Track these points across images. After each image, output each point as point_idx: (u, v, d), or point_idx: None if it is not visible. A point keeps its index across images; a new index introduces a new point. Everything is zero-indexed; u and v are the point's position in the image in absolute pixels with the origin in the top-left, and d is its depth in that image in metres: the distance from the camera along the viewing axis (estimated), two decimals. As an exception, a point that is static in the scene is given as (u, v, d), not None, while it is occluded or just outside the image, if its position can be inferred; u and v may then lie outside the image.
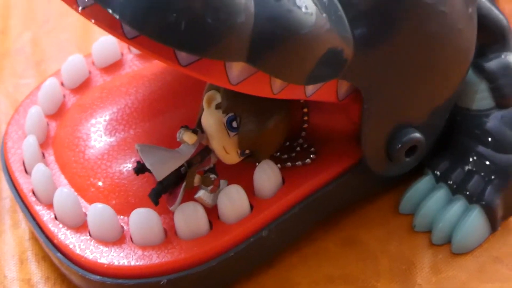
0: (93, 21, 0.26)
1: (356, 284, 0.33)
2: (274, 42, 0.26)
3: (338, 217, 0.35)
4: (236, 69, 0.27)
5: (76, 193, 0.32)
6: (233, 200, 0.31)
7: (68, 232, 0.31)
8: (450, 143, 0.34)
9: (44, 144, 0.34)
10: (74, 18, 0.45)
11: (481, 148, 0.34)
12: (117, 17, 0.25)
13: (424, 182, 0.34)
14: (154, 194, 0.31)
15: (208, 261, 0.31)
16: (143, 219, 0.30)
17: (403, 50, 0.30)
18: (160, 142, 0.32)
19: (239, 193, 0.31)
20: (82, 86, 0.37)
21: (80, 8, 0.26)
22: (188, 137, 0.30)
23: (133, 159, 0.33)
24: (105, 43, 0.37)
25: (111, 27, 0.26)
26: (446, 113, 0.33)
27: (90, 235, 0.31)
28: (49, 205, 0.32)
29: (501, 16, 0.34)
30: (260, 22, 0.26)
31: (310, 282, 0.33)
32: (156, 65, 0.37)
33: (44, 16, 0.46)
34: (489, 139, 0.34)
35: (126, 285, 0.30)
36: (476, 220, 0.33)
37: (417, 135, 0.32)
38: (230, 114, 0.30)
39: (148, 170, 0.30)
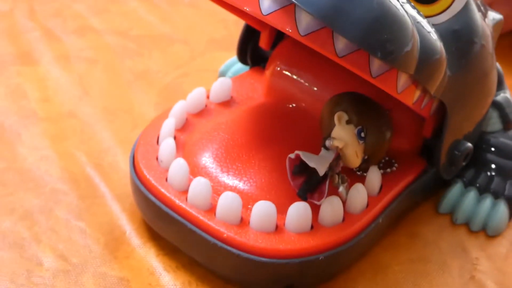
0: (304, 40, 0.34)
1: (432, 261, 0.41)
2: (430, 62, 0.35)
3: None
4: (402, 80, 0.36)
5: (239, 196, 0.38)
6: (361, 195, 0.39)
7: (234, 228, 0.37)
8: (472, 158, 0.44)
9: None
10: (100, 90, 0.51)
11: (495, 158, 0.44)
12: (345, 35, 0.33)
13: (457, 188, 0.44)
14: (303, 192, 0.38)
15: (347, 242, 0.38)
16: (301, 211, 0.37)
17: (470, 78, 0.40)
18: (277, 164, 0.40)
19: (364, 190, 0.39)
20: (184, 127, 0.43)
21: (302, 34, 0.34)
22: (338, 142, 0.38)
23: (252, 177, 0.40)
24: (198, 94, 0.44)
25: (323, 47, 0.34)
26: (478, 130, 0.43)
27: (250, 227, 0.37)
28: (209, 210, 0.38)
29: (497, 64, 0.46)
30: (423, 49, 0.35)
31: (396, 264, 0.41)
32: (248, 111, 0.44)
33: (79, 89, 0.51)
34: (501, 151, 0.44)
35: (294, 263, 0.37)
36: (502, 210, 0.43)
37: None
38: (359, 127, 0.38)
39: (303, 173, 0.38)
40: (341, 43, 0.34)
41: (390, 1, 0.34)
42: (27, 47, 0.53)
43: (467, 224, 0.44)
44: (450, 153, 0.42)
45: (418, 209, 0.44)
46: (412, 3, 0.37)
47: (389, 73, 0.35)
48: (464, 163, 0.43)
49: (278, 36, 0.47)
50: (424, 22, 0.37)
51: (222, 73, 0.52)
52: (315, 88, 0.44)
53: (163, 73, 0.52)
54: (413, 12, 0.36)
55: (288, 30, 0.34)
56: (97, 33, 0.55)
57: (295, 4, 0.34)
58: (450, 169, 0.43)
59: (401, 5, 0.35)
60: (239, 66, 0.51)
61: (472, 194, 0.44)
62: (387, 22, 0.33)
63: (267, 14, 0.34)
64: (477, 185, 0.44)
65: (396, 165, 0.42)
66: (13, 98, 0.49)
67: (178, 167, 0.39)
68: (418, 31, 0.35)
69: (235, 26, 0.57)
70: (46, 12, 0.57)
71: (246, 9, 0.35)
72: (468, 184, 0.44)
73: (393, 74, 0.35)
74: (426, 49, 0.36)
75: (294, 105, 0.44)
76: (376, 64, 0.34)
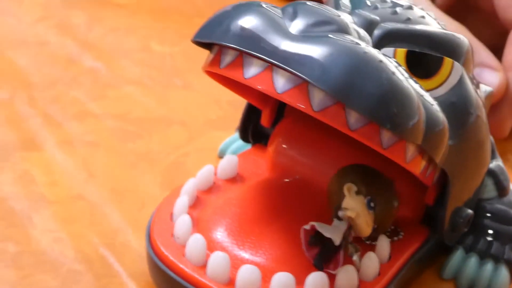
0: (317, 115, 0.36)
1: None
2: (435, 132, 0.38)
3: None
4: (410, 151, 0.38)
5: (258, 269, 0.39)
6: (374, 263, 0.40)
7: (254, 302, 0.38)
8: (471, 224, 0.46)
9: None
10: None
11: (493, 224, 0.46)
12: (357, 109, 0.35)
13: (458, 254, 0.46)
14: (319, 262, 0.39)
15: (362, 310, 0.39)
16: (318, 281, 0.39)
17: (468, 147, 0.42)
18: (289, 236, 0.41)
19: (376, 258, 0.40)
20: (196, 204, 0.44)
21: (315, 110, 0.36)
22: (351, 212, 0.39)
23: (266, 250, 0.41)
24: (207, 171, 0.45)
25: (336, 121, 0.36)
26: (476, 197, 0.45)
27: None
28: (228, 284, 0.39)
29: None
30: (428, 120, 0.37)
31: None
32: (255, 187, 0.45)
33: (84, 172, 0.52)
34: (497, 217, 0.46)
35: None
36: (504, 274, 0.45)
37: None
38: (368, 197, 0.40)
39: (319, 243, 0.39)
40: (352, 118, 0.36)
41: (397, 77, 0.36)
42: (30, 134, 0.55)
43: (470, 288, 0.45)
44: (452, 219, 0.44)
45: (421, 276, 0.45)
46: (413, 78, 0.40)
47: (398, 144, 0.37)
48: (465, 229, 0.44)
49: (278, 114, 0.48)
50: (426, 95, 0.39)
51: (222, 152, 0.53)
52: (317, 162, 0.46)
53: (164, 154, 0.54)
54: (416, 86, 0.39)
55: (301, 106, 0.36)
56: (97, 117, 0.57)
57: (308, 82, 0.36)
58: (452, 235, 0.44)
59: (406, 79, 0.37)
60: (238, 145, 0.53)
61: (473, 260, 0.45)
62: (395, 96, 0.35)
63: (282, 93, 0.36)
64: (478, 250, 0.46)
65: (402, 233, 0.43)
66: (21, 183, 0.50)
67: (196, 243, 0.40)
68: (422, 103, 0.38)
69: (229, 107, 0.59)
70: (45, 99, 0.59)
71: (257, 86, 0.37)
72: (469, 250, 0.46)
73: (402, 145, 0.37)
74: (431, 120, 0.38)
75: (298, 179, 0.46)
76: (386, 136, 0.36)
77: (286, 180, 0.46)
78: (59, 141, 0.54)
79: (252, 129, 0.49)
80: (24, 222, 0.47)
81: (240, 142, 0.52)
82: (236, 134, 0.54)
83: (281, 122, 0.48)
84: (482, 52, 0.56)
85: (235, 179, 0.46)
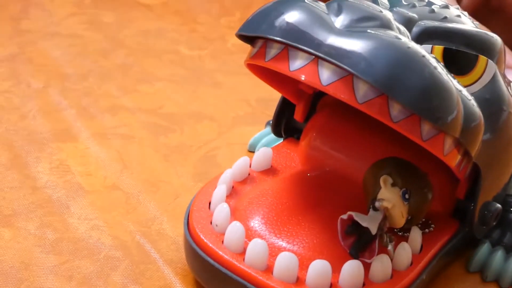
0: (361, 107, 0.37)
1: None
2: (472, 126, 0.38)
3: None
4: (448, 144, 0.38)
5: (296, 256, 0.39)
6: (407, 253, 0.41)
7: (292, 287, 0.39)
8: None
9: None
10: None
11: None
12: (400, 101, 0.35)
13: (485, 248, 0.46)
14: (355, 251, 0.40)
15: (396, 298, 0.40)
16: (354, 269, 0.39)
17: (500, 143, 0.43)
18: (324, 226, 0.42)
19: (409, 248, 0.41)
20: (232, 194, 0.45)
21: (360, 102, 0.36)
22: (387, 203, 0.40)
23: (302, 238, 0.42)
24: (243, 162, 0.46)
25: (379, 114, 0.37)
26: (504, 192, 0.46)
27: (306, 286, 0.39)
28: (266, 270, 0.39)
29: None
30: (466, 114, 0.38)
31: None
32: (289, 178, 0.46)
33: (119, 164, 0.53)
34: None
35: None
36: (529, 268, 0.46)
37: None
38: (404, 189, 0.41)
39: (355, 233, 0.40)
40: (395, 110, 0.37)
41: (439, 71, 0.37)
42: (64, 125, 0.55)
43: (496, 281, 0.46)
44: (481, 213, 0.44)
45: (448, 268, 0.46)
46: (451, 74, 0.40)
47: (437, 137, 0.38)
48: (494, 223, 0.45)
49: (311, 109, 0.49)
50: (464, 91, 0.39)
51: (252, 146, 0.54)
52: (350, 156, 0.47)
53: (196, 147, 0.54)
54: (455, 81, 0.39)
55: (346, 98, 0.37)
56: (129, 111, 0.58)
57: (353, 75, 0.36)
58: (481, 228, 0.45)
59: (446, 74, 0.38)
60: (268, 139, 0.54)
61: (499, 254, 0.46)
62: (437, 90, 0.36)
63: (327, 85, 0.37)
64: (504, 244, 0.46)
65: (433, 225, 0.44)
66: (57, 173, 0.50)
67: (235, 230, 0.40)
68: (460, 98, 0.38)
69: (257, 104, 0.60)
70: (78, 91, 0.59)
71: (302, 78, 0.38)
72: (495, 244, 0.46)
73: (441, 138, 0.38)
74: (468, 115, 0.38)
75: (330, 172, 0.47)
76: (426, 129, 0.37)
77: (319, 172, 0.47)
78: (93, 133, 0.55)
79: (284, 124, 0.50)
80: (62, 210, 0.47)
81: (270, 137, 0.53)
82: (266, 129, 0.55)
83: (314, 116, 0.49)
84: (506, 54, 0.56)
85: (269, 171, 0.47)
